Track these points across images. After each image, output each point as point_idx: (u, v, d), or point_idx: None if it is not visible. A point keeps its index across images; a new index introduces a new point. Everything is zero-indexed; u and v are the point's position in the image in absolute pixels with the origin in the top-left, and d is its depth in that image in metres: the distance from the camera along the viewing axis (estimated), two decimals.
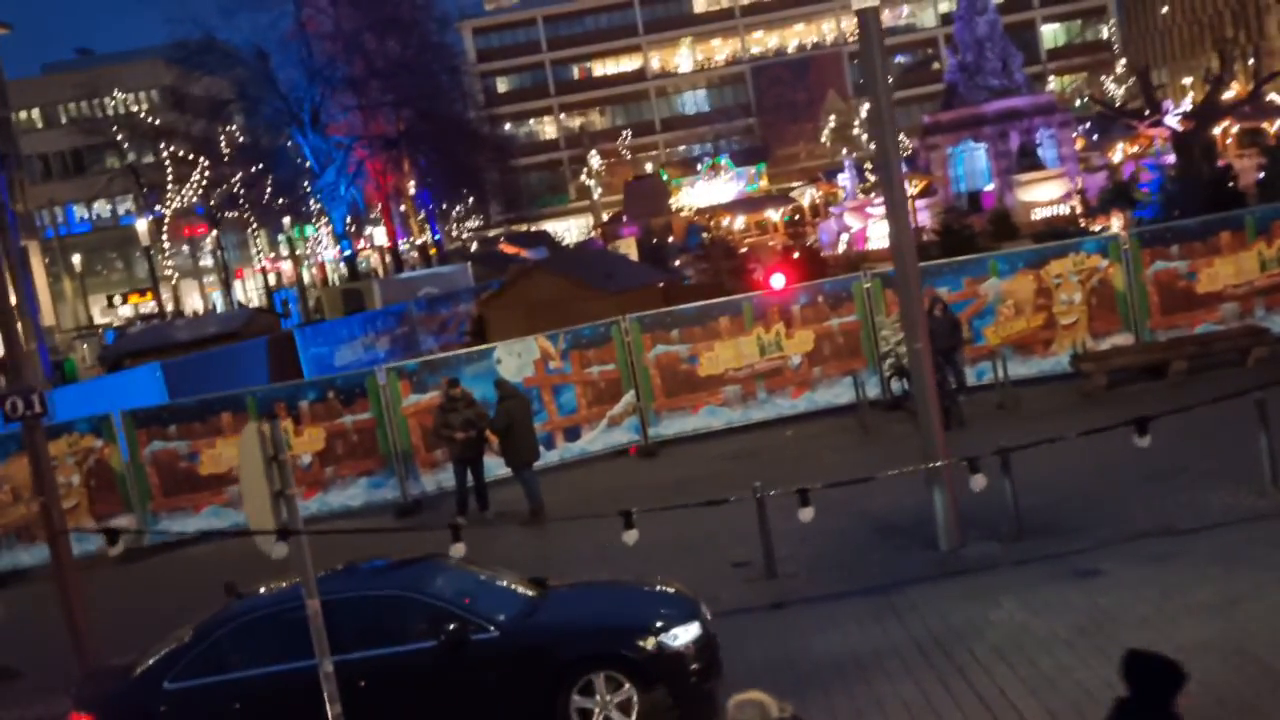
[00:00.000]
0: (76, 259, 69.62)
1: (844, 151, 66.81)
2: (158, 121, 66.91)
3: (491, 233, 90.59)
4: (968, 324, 19.53)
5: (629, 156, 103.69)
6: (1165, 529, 12.43)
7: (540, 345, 19.69)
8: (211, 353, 28.78)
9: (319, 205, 70.28)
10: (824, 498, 15.71)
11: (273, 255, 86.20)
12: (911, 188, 40.58)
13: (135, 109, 69.70)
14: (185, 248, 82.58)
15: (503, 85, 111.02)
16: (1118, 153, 43.50)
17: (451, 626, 9.75)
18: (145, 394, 23.41)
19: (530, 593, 10.63)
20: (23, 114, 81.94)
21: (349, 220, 64.26)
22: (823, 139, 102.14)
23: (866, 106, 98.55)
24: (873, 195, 48.79)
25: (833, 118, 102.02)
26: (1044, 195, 42.72)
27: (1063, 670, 9.68)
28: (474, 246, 76.72)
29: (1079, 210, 35.81)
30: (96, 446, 18.55)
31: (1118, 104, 72.92)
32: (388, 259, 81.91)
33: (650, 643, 9.89)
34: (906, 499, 14.96)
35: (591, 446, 19.92)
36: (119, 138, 64.90)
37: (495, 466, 18.00)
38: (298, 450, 18.74)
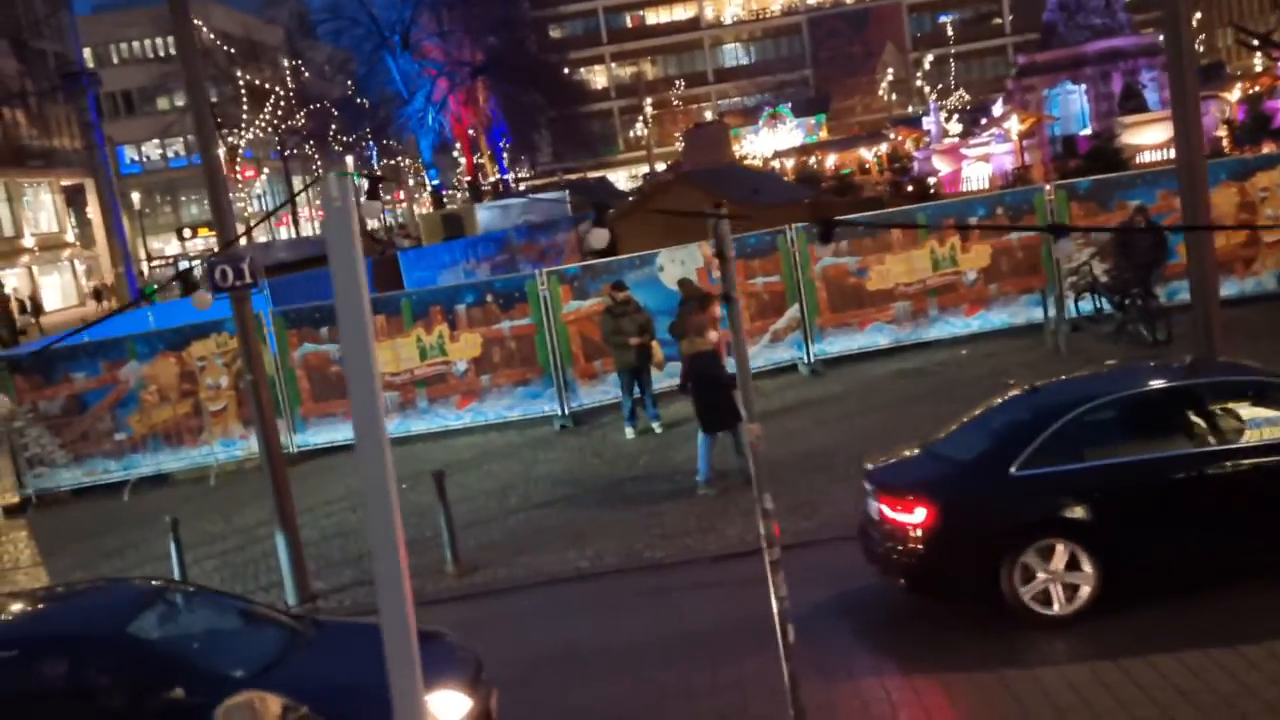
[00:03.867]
0: (135, 197, 68.90)
1: (931, 99, 65.17)
2: (232, 50, 65.75)
3: (541, 181, 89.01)
4: None
5: (681, 107, 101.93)
6: None
7: (703, 252, 18.56)
8: (316, 272, 27.72)
9: (365, 152, 69.06)
10: None
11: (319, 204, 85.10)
12: (1019, 124, 39.20)
13: (209, 40, 68.40)
14: (232, 195, 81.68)
15: (555, 32, 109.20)
16: (1235, 92, 41.89)
17: None
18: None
19: None
20: None
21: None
22: (879, 92, 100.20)
23: (929, 58, 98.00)
24: (968, 138, 47.35)
25: (890, 71, 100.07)
26: (1151, 139, 41.16)
27: None
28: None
29: (1226, 144, 34.33)
30: None
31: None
32: (442, 201, 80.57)
33: None
34: None
35: (753, 362, 18.78)
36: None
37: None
38: (453, 356, 17.73)
